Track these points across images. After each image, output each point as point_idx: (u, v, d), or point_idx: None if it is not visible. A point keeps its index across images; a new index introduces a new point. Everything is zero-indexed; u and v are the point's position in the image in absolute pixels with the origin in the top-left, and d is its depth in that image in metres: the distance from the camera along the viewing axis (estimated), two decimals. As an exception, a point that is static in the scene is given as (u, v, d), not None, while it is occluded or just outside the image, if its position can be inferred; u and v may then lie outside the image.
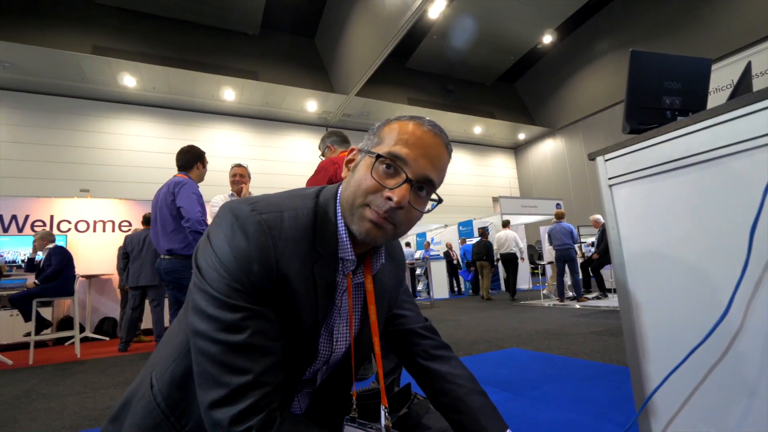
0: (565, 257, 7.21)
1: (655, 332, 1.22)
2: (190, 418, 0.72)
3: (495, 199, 12.13)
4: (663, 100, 1.34)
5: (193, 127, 11.83)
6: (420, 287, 12.15)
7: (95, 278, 6.51)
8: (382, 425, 0.76)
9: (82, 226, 6.78)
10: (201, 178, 3.37)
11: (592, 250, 8.33)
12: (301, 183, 2.05)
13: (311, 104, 12.35)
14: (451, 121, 14.32)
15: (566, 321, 5.02)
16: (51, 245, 4.89)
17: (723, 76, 3.58)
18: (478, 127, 15.59)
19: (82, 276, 6.08)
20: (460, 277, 12.40)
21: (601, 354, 3.09)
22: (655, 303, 1.22)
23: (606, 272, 7.73)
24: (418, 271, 10.02)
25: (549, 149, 16.64)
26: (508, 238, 9.01)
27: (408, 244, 13.18)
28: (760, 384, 0.97)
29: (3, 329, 5.39)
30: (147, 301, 5.20)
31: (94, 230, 6.86)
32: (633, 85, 1.32)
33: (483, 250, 9.57)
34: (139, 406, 0.74)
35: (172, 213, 3.10)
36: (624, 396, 2.08)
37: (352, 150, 0.80)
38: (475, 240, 12.16)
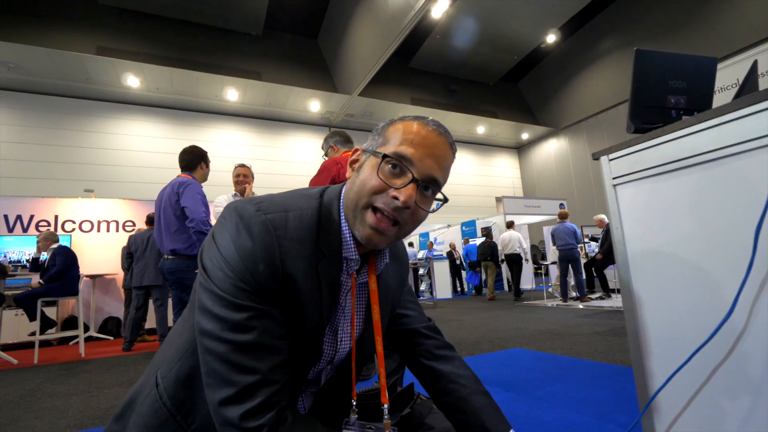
0: (568, 257, 7.20)
1: (658, 332, 1.22)
2: (195, 417, 0.72)
3: (498, 199, 12.11)
4: (668, 99, 1.33)
5: (196, 128, 11.87)
6: (423, 287, 12.15)
7: (99, 278, 6.54)
8: (383, 424, 0.76)
9: (86, 226, 6.81)
10: (204, 178, 3.38)
11: (593, 246, 8.32)
12: (304, 183, 2.06)
13: (314, 104, 12.37)
14: (454, 121, 14.30)
15: (569, 321, 5.00)
16: (55, 245, 4.91)
17: (728, 75, 3.55)
18: (481, 127, 15.57)
19: (87, 276, 6.12)
20: (464, 278, 12.39)
21: (604, 354, 3.08)
22: (658, 303, 1.22)
23: (609, 272, 7.70)
24: (421, 271, 10.02)
25: (552, 149, 16.60)
26: (512, 239, 9.03)
27: (411, 244, 13.18)
28: (764, 384, 0.96)
29: (8, 329, 5.42)
30: (151, 301, 5.22)
31: (98, 230, 6.89)
32: (638, 84, 1.32)
33: (488, 250, 9.60)
34: (144, 404, 0.74)
35: (176, 213, 3.11)
36: (627, 396, 2.07)
37: (356, 150, 0.79)
38: (477, 240, 12.17)
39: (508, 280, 11.44)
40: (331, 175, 2.36)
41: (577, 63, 14.54)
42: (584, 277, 7.58)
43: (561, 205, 12.05)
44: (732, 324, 1.01)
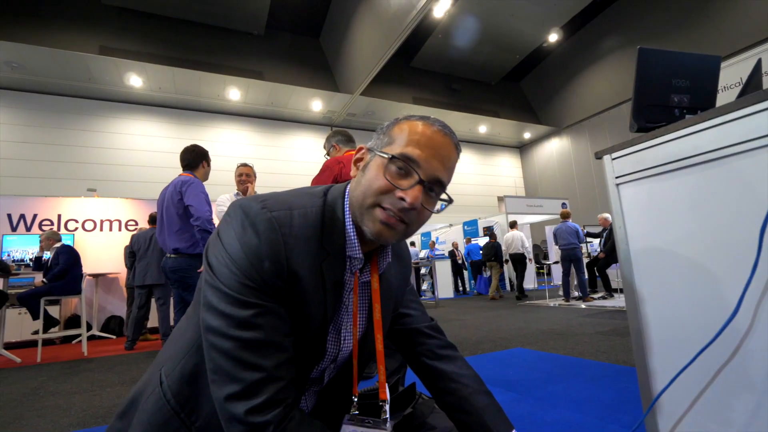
0: (570, 257, 7.18)
1: (662, 332, 1.21)
2: (199, 415, 0.72)
3: (500, 199, 12.09)
4: (671, 98, 1.33)
5: (198, 127, 11.90)
6: (425, 287, 12.14)
7: (102, 277, 6.56)
8: (381, 419, 0.76)
9: (89, 225, 6.83)
10: (206, 177, 3.38)
11: (595, 245, 8.30)
12: (306, 182, 2.06)
13: (316, 104, 12.37)
14: (456, 121, 14.29)
15: (572, 321, 4.99)
16: (58, 244, 4.93)
17: (732, 74, 3.54)
18: (483, 127, 15.56)
19: (89, 275, 6.14)
20: (466, 277, 12.38)
21: (607, 354, 3.07)
22: (662, 302, 1.21)
23: (612, 272, 7.68)
24: (423, 270, 10.04)
25: (555, 148, 16.57)
26: (515, 239, 9.07)
27: (413, 244, 13.17)
28: (769, 385, 0.96)
29: (11, 327, 5.44)
30: (153, 300, 5.23)
31: (101, 229, 6.91)
32: (641, 83, 1.31)
33: (491, 250, 9.64)
34: (148, 402, 0.74)
35: (179, 212, 3.11)
36: (631, 396, 2.06)
37: (361, 149, 0.79)
38: (479, 239, 12.17)
39: (510, 279, 11.44)
40: (333, 174, 2.36)
41: (580, 62, 14.51)
42: (586, 276, 7.56)
43: (563, 204, 12.03)
44: (736, 324, 1.01)
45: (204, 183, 3.29)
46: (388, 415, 0.77)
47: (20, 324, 5.64)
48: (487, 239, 11.77)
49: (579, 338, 3.80)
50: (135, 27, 10.11)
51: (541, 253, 11.26)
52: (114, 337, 6.27)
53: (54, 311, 5.70)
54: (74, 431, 2.15)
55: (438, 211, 0.76)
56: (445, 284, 11.29)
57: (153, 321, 5.67)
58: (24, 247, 6.27)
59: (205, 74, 10.27)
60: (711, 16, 10.68)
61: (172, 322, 4.90)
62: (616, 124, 13.75)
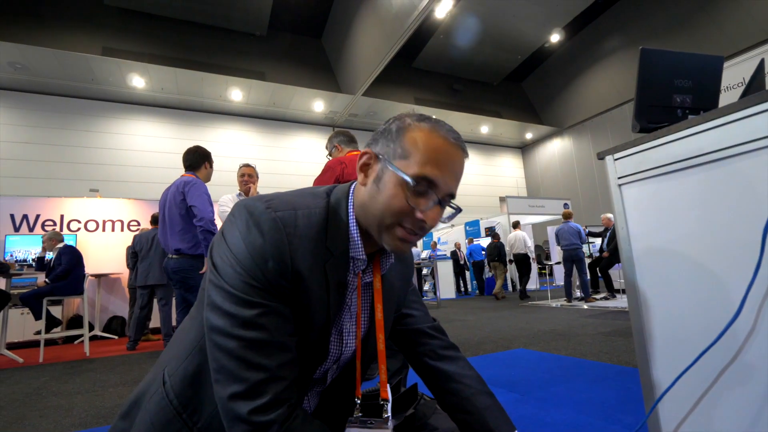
0: (573, 257, 7.17)
1: (664, 333, 1.21)
2: (201, 415, 0.72)
3: (502, 199, 12.11)
4: (673, 98, 1.32)
5: (200, 128, 11.92)
6: (426, 287, 12.14)
7: (104, 277, 6.58)
8: (382, 419, 0.76)
9: (91, 226, 6.85)
10: (208, 178, 3.39)
11: (597, 245, 8.30)
12: (308, 183, 2.06)
13: (318, 104, 12.39)
14: (457, 121, 14.29)
15: (574, 321, 4.98)
16: (60, 245, 4.94)
17: (734, 74, 3.52)
18: (485, 127, 15.55)
19: (92, 275, 6.15)
20: (468, 278, 12.37)
21: (609, 355, 3.06)
22: (664, 303, 1.21)
23: (614, 272, 7.67)
24: (425, 271, 10.04)
25: (557, 149, 16.55)
26: (518, 239, 9.10)
27: (415, 245, 13.15)
28: (773, 386, 0.95)
29: (14, 327, 5.46)
30: (155, 300, 5.24)
31: (104, 230, 6.93)
32: (643, 84, 1.31)
33: (495, 251, 9.67)
34: (151, 402, 0.74)
35: (181, 212, 3.12)
36: (633, 397, 2.05)
37: (367, 153, 0.76)
38: (481, 239, 12.17)
39: (512, 280, 11.43)
40: (335, 174, 2.36)
41: (582, 62, 14.50)
42: (589, 277, 7.55)
43: (565, 205, 12.01)
44: (739, 325, 1.00)
45: (206, 184, 3.30)
46: (389, 414, 0.77)
47: (23, 324, 5.66)
48: (488, 239, 11.78)
49: (581, 339, 3.80)
50: (137, 28, 10.15)
51: (543, 253, 11.26)
52: (116, 337, 6.28)
53: (56, 311, 5.72)
54: (76, 431, 2.15)
55: (447, 219, 0.76)
56: (446, 285, 11.29)
57: (155, 321, 5.68)
58: (27, 248, 6.29)
59: (207, 75, 10.29)
60: (713, 17, 10.65)
61: (174, 323, 4.91)
62: (618, 125, 13.72)
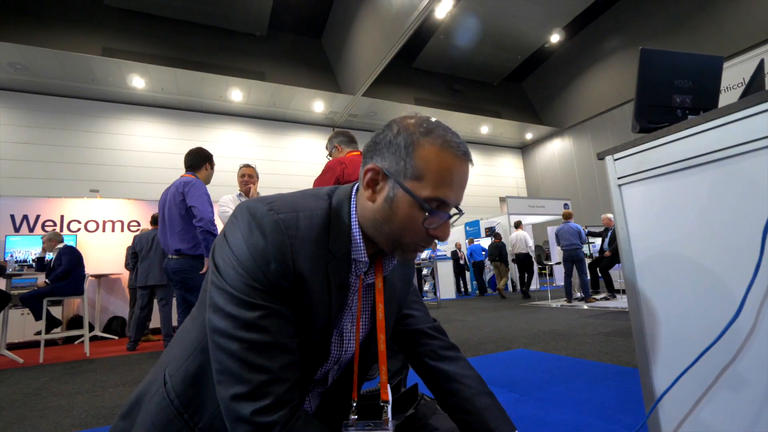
0: (572, 257, 7.17)
1: (665, 333, 1.21)
2: (202, 416, 0.72)
3: (502, 199, 12.11)
4: (673, 98, 1.32)
5: (201, 128, 11.92)
6: (427, 287, 12.14)
7: (104, 278, 6.58)
8: (382, 420, 0.76)
9: (91, 226, 6.86)
10: (208, 180, 3.39)
11: (597, 245, 8.31)
12: (308, 183, 2.06)
13: (318, 104, 12.39)
14: (457, 121, 14.29)
15: (574, 322, 4.98)
16: (60, 245, 4.95)
17: (734, 75, 3.53)
18: (485, 127, 15.55)
19: (92, 275, 6.15)
20: (468, 278, 12.38)
21: (609, 355, 3.06)
22: (665, 303, 1.21)
23: (615, 272, 7.67)
24: (425, 271, 10.05)
25: (557, 149, 16.55)
26: (519, 239, 9.13)
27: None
28: (773, 386, 0.96)
29: (14, 328, 5.46)
30: (155, 301, 5.24)
31: (104, 230, 6.94)
32: (643, 84, 1.31)
33: (496, 251, 9.69)
34: (152, 402, 0.75)
35: (181, 213, 3.12)
36: (633, 398, 2.05)
37: (374, 169, 0.73)
38: (481, 240, 12.17)
39: (512, 280, 11.43)
40: (335, 175, 2.36)
41: (582, 62, 14.49)
42: (589, 277, 7.55)
43: (565, 205, 12.01)
44: (739, 324, 1.00)
45: (206, 185, 3.30)
46: (390, 416, 0.77)
47: (23, 324, 5.67)
48: (488, 240, 11.79)
49: (581, 339, 3.80)
50: (137, 28, 10.15)
51: (543, 253, 11.27)
52: (116, 337, 6.28)
53: (56, 312, 5.72)
54: (76, 431, 2.15)
55: (452, 225, 0.77)
56: (446, 285, 11.29)
57: (155, 322, 5.68)
58: (27, 248, 6.30)
59: (208, 75, 10.29)
60: (713, 17, 10.65)
61: (174, 323, 4.91)
62: (618, 125, 13.72)
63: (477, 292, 11.60)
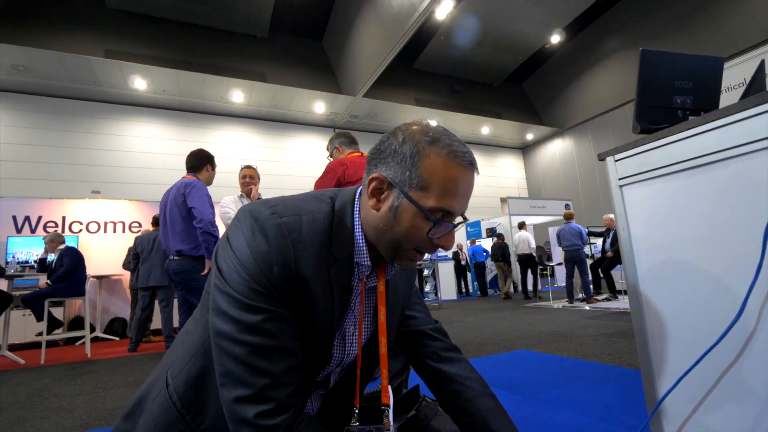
0: (574, 258, 7.16)
1: (666, 334, 1.20)
2: (205, 417, 0.73)
3: (503, 200, 12.12)
4: (674, 99, 1.32)
5: (202, 129, 11.94)
6: (428, 288, 12.14)
7: (106, 279, 6.59)
8: (383, 424, 0.76)
9: (93, 227, 6.87)
10: (210, 181, 3.39)
11: (598, 245, 8.30)
12: (309, 184, 2.06)
13: (319, 105, 12.40)
14: (458, 122, 14.29)
15: (576, 323, 4.98)
16: (62, 246, 4.95)
17: (735, 75, 3.52)
18: (485, 128, 15.54)
19: (93, 276, 6.16)
20: (469, 279, 12.37)
21: (611, 356, 3.06)
22: (666, 305, 1.21)
23: (616, 273, 7.65)
24: (426, 272, 10.05)
25: (558, 149, 16.54)
26: (522, 239, 9.15)
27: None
28: (775, 388, 0.95)
29: (15, 329, 5.47)
30: (156, 302, 5.24)
31: (105, 231, 6.95)
32: (643, 85, 1.31)
33: (499, 251, 9.70)
34: (154, 404, 0.75)
35: (182, 214, 3.12)
36: (635, 399, 2.05)
37: (378, 178, 0.73)
38: (483, 240, 12.16)
39: (513, 281, 11.43)
40: (336, 176, 2.37)
41: (582, 63, 14.49)
42: (590, 278, 7.54)
43: (566, 205, 12.01)
44: (741, 325, 1.00)
45: (208, 186, 3.30)
46: (391, 420, 0.77)
47: (24, 326, 5.67)
48: (489, 240, 11.79)
49: (583, 340, 3.79)
50: (139, 30, 10.18)
51: (544, 254, 11.27)
52: (117, 338, 6.29)
53: (58, 313, 5.72)
54: (78, 433, 2.16)
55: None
56: (448, 286, 11.28)
57: (156, 323, 5.68)
58: (28, 249, 6.31)
59: (209, 77, 10.31)
60: (714, 17, 10.64)
61: (175, 324, 4.91)
62: (619, 125, 13.71)
63: (478, 293, 11.58)
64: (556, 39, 13.23)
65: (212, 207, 3.13)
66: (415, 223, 0.70)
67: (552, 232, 10.59)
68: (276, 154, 12.83)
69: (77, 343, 5.93)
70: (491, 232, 12.31)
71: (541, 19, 12.22)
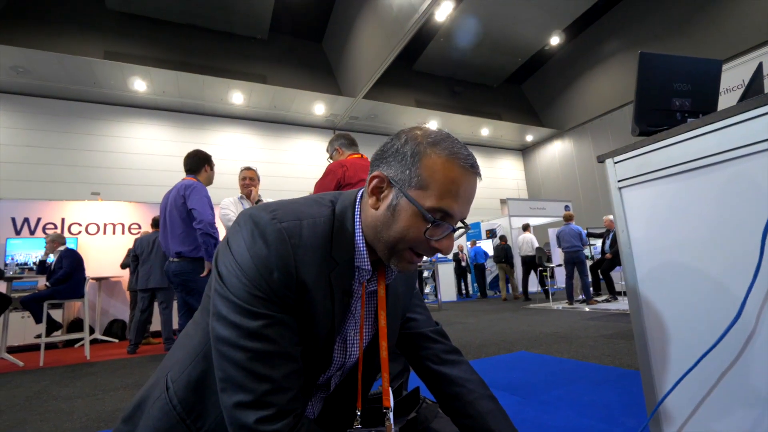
0: (573, 259, 7.16)
1: (666, 336, 1.21)
2: (205, 421, 0.73)
3: (503, 201, 12.11)
4: (673, 101, 1.33)
5: (202, 131, 11.94)
6: (428, 290, 12.13)
7: (105, 280, 6.58)
8: (384, 427, 0.76)
9: (92, 229, 6.86)
10: (209, 181, 3.39)
11: (598, 247, 8.30)
12: (309, 185, 2.07)
13: (319, 107, 12.40)
14: (458, 123, 14.30)
15: (576, 324, 4.98)
16: (62, 247, 4.95)
17: (733, 77, 3.53)
18: (485, 129, 15.55)
19: (93, 278, 6.15)
20: (469, 280, 12.37)
21: (611, 358, 3.06)
22: (666, 306, 1.21)
23: (616, 274, 7.65)
24: (426, 273, 10.06)
25: (557, 151, 16.55)
26: (526, 241, 9.17)
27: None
28: (774, 389, 0.95)
29: (14, 331, 5.45)
30: (156, 304, 5.23)
31: (104, 233, 6.94)
32: (642, 87, 1.31)
33: (502, 253, 9.71)
34: (154, 407, 0.75)
35: (182, 215, 3.12)
36: (635, 400, 2.05)
37: (379, 177, 0.73)
38: (483, 242, 12.16)
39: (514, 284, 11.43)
40: (336, 177, 2.37)
41: (582, 65, 14.51)
42: (590, 279, 7.54)
43: (566, 207, 12.01)
44: (740, 327, 1.00)
45: (207, 187, 3.30)
46: (392, 422, 0.77)
47: (23, 328, 5.66)
48: (489, 242, 11.79)
49: (583, 341, 3.79)
50: (139, 32, 10.18)
51: (543, 255, 11.28)
52: (117, 340, 6.28)
53: (57, 315, 5.71)
54: (78, 435, 2.15)
55: (456, 238, 0.77)
56: (448, 287, 11.28)
57: (156, 324, 5.68)
58: (28, 251, 6.29)
59: (209, 78, 10.31)
60: (713, 19, 10.67)
61: (174, 326, 4.91)
62: (618, 127, 13.72)
63: (478, 294, 11.58)
64: (555, 41, 13.25)
65: (212, 209, 3.13)
66: (413, 222, 0.69)
67: (552, 233, 10.59)
68: (276, 156, 12.83)
69: (76, 345, 5.92)
70: (491, 234, 12.32)
71: (540, 20, 12.24)
